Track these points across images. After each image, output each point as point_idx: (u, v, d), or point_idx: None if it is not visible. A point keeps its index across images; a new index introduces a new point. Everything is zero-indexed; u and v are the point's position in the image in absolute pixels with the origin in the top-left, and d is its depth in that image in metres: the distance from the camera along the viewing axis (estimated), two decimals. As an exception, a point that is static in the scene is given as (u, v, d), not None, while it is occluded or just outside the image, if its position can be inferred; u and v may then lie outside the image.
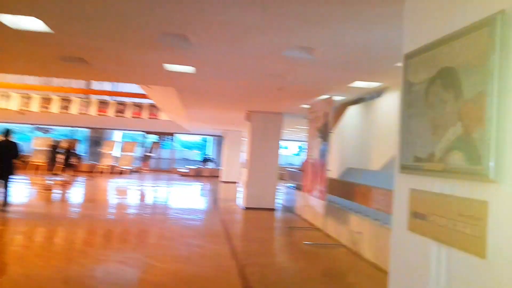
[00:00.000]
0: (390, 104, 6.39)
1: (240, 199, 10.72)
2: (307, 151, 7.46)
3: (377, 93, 6.72)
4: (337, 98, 7.26)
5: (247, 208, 9.92)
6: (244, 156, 11.28)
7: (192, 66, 5.33)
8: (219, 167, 21.16)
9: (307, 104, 7.86)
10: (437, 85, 1.92)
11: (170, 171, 23.04)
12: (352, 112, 8.18)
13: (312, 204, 6.99)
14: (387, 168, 6.27)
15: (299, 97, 7.29)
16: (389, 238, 5.26)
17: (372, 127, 7.09)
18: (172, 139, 25.12)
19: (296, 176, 10.49)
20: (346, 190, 6.63)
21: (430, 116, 1.96)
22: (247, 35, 3.79)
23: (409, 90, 2.18)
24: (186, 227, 7.65)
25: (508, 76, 1.51)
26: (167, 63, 5.24)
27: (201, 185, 17.48)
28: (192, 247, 5.99)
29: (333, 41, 3.81)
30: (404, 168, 2.19)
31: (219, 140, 25.73)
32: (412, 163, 2.11)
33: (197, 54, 4.64)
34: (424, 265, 1.97)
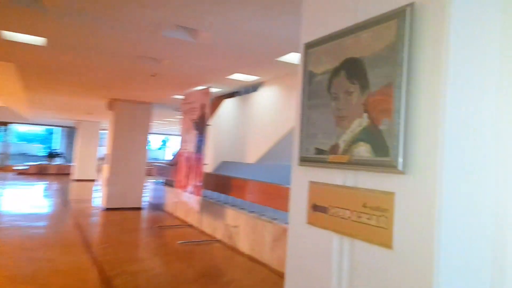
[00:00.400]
0: (265, 99, 6.62)
1: (99, 199, 9.62)
2: (180, 144, 7.13)
3: (253, 87, 6.88)
4: (213, 90, 7.15)
5: (108, 209, 8.98)
6: (103, 150, 10.15)
7: (43, 37, 4.39)
8: (71, 163, 18.72)
9: (181, 95, 7.51)
10: (342, 76, 1.93)
11: (3, 169, 19.24)
12: (228, 105, 8.22)
13: (186, 200, 6.73)
14: (263, 161, 6.49)
15: (175, 86, 6.89)
16: (264, 229, 5.44)
17: (248, 121, 7.25)
18: (5, 130, 21.03)
19: (165, 172, 10.01)
20: (222, 184, 6.59)
21: (334, 107, 1.97)
22: (120, 5, 3.26)
23: (310, 81, 2.16)
24: (29, 237, 6.39)
25: (416, 68, 1.58)
26: (8, 30, 4.17)
27: (47, 184, 15.11)
28: (39, 261, 5.00)
29: (222, 24, 3.63)
30: (304, 161, 2.16)
31: (70, 131, 22.77)
32: (313, 155, 2.09)
33: (51, 23, 3.80)
34: (326, 258, 1.98)
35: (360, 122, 1.79)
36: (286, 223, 4.82)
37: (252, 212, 6.12)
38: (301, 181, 2.22)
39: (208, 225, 6.89)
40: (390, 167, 1.62)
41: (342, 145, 1.89)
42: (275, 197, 5.07)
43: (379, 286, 1.67)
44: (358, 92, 1.81)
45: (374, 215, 1.72)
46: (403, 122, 1.58)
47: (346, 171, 1.90)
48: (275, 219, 5.32)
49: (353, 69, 1.86)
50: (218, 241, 6.51)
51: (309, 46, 2.20)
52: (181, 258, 5.48)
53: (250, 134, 7.09)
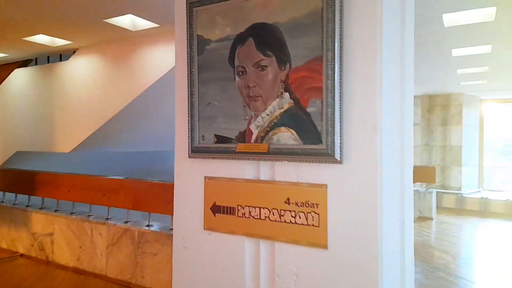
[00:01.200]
0: (82, 71, 5.55)
1: None
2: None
3: (62, 55, 5.64)
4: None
5: None
6: None
7: None
8: None
9: None
10: (249, 45, 1.62)
11: None
12: (21, 76, 6.53)
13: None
14: (83, 150, 5.49)
15: None
16: (95, 233, 4.64)
17: (56, 99, 5.93)
18: None
19: None
20: (20, 182, 5.25)
21: (241, 84, 1.65)
22: None
23: (201, 49, 1.76)
24: None
25: (349, 37, 1.43)
26: None
27: None
28: None
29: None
30: (197, 152, 1.78)
31: None
32: (212, 144, 1.73)
33: None
34: (236, 268, 1.70)
35: (280, 103, 1.55)
36: (126, 222, 4.23)
37: (73, 213, 5.14)
38: (192, 177, 1.83)
39: (1, 237, 5.47)
40: (323, 155, 1.46)
41: (255, 132, 1.61)
42: (114, 193, 4.34)
43: (314, 292, 1.52)
44: (275, 66, 1.56)
45: (301, 212, 1.54)
46: (338, 104, 1.43)
47: (260, 162, 1.64)
48: (108, 218, 4.59)
49: (264, 37, 1.58)
50: (22, 256, 5.24)
51: (195, 3, 1.77)
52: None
53: (60, 116, 5.82)
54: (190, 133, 1.78)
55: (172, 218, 3.78)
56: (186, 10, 1.79)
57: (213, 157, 1.74)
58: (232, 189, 1.71)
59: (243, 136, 1.64)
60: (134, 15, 3.70)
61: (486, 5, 3.30)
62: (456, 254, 5.85)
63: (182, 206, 1.87)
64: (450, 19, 3.73)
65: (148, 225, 4.03)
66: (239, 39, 1.64)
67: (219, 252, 1.74)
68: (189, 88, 1.78)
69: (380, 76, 1.39)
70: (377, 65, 1.39)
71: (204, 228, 1.78)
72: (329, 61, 1.43)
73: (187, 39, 1.78)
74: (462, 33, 4.18)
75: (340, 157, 1.43)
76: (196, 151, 1.77)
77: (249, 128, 1.63)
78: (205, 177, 1.78)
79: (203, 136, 1.75)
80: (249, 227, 1.66)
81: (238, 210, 1.68)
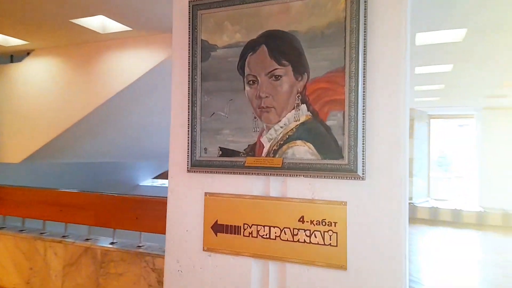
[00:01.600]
0: (38, 74, 5.15)
1: None
2: None
3: (13, 57, 5.21)
4: None
5: None
6: None
7: None
8: None
9: None
10: (262, 53, 1.54)
11: None
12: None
13: None
14: (34, 161, 5.05)
15: None
16: (49, 252, 4.24)
17: (6, 104, 5.43)
18: None
19: None
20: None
21: (251, 94, 1.56)
22: None
23: (206, 55, 1.65)
24: None
25: (373, 49, 1.40)
26: None
27: None
28: None
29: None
30: (199, 166, 1.65)
31: None
32: (216, 158, 1.62)
33: None
34: (240, 295, 1.58)
35: (296, 115, 1.48)
36: (87, 239, 3.92)
37: (23, 231, 4.71)
38: (190, 193, 1.69)
39: None
40: (344, 171, 1.40)
41: (267, 145, 1.52)
42: (73, 208, 3.99)
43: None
44: (291, 76, 1.49)
45: (316, 230, 1.46)
46: (361, 117, 1.38)
47: (269, 177, 1.55)
48: (65, 236, 4.22)
49: (280, 45, 1.51)
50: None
51: (200, 6, 1.67)
52: None
53: (9, 123, 5.32)
54: (190, 146, 1.65)
55: (140, 235, 3.56)
56: (189, 12, 1.67)
57: (216, 172, 1.62)
58: (237, 206, 1.60)
59: (253, 150, 1.55)
60: (106, 16, 3.48)
61: (458, 26, 3.49)
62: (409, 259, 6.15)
63: (177, 225, 1.72)
64: (422, 38, 3.91)
65: (112, 243, 3.76)
66: (250, 46, 1.56)
67: (221, 276, 1.61)
68: (191, 97, 1.65)
69: (404, 89, 1.37)
70: (402, 79, 1.37)
71: (204, 249, 1.65)
72: (353, 73, 1.38)
73: (189, 43, 1.67)
74: (429, 52, 4.39)
75: (363, 173, 1.37)
76: (196, 165, 1.64)
77: (259, 141, 1.54)
78: (205, 193, 1.66)
79: (205, 149, 1.63)
80: (256, 247, 1.55)
81: (244, 229, 1.57)
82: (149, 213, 3.55)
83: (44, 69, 4.98)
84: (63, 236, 4.47)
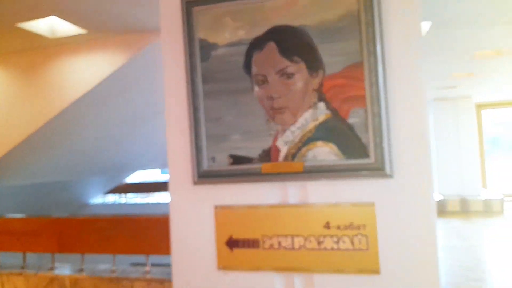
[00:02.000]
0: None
1: None
2: None
3: None
4: None
5: None
6: None
7: None
8: None
9: None
10: (270, 51, 1.46)
11: None
12: None
13: None
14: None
15: None
16: (4, 286, 3.81)
17: None
18: None
19: None
20: None
21: (261, 94, 1.46)
22: None
23: (205, 55, 1.53)
24: None
25: (389, 41, 1.36)
26: None
27: None
28: None
29: None
30: (208, 177, 1.52)
31: None
32: (226, 167, 1.50)
33: None
34: (263, 313, 1.47)
35: (313, 115, 1.40)
36: (51, 268, 3.58)
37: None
38: (198, 208, 1.56)
39: None
40: (371, 170, 1.35)
41: (284, 148, 1.44)
42: (32, 235, 3.61)
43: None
44: (305, 73, 1.41)
45: (344, 235, 1.40)
46: (384, 113, 1.34)
47: (286, 183, 1.46)
48: (23, 267, 3.83)
49: (289, 41, 1.43)
50: None
51: (193, 3, 1.54)
52: None
53: None
54: (196, 155, 1.52)
55: (114, 258, 3.31)
56: (182, 9, 1.54)
57: (225, 182, 1.51)
58: (253, 218, 1.49)
59: (268, 155, 1.45)
60: (59, 17, 3.16)
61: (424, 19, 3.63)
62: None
63: (184, 244, 1.58)
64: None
65: (81, 270, 3.46)
66: (256, 44, 1.46)
67: (239, 295, 1.50)
68: (192, 102, 1.52)
69: (421, 80, 1.35)
70: (418, 70, 1.35)
71: (218, 268, 1.52)
72: (372, 66, 1.34)
73: (185, 43, 1.53)
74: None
75: (391, 171, 1.33)
76: (204, 176, 1.51)
77: (275, 145, 1.44)
78: (215, 207, 1.53)
79: (213, 157, 1.51)
80: (279, 260, 1.46)
81: (263, 241, 1.47)
82: (123, 232, 3.31)
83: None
84: (22, 268, 4.06)
